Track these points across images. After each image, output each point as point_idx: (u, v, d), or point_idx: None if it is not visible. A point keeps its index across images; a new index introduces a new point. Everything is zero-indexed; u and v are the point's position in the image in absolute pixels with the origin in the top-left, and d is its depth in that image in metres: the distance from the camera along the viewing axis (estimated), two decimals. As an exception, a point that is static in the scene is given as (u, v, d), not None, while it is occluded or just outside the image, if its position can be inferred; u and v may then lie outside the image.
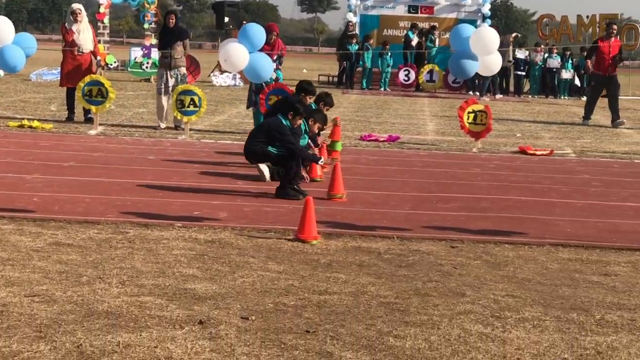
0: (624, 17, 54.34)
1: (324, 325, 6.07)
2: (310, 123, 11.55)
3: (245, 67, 11.14)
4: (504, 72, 32.98)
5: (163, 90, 17.92)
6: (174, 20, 18.23)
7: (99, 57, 19.06)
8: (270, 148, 11.07)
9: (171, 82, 17.92)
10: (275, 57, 16.98)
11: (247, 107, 18.01)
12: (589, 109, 23.31)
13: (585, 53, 35.89)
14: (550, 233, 9.52)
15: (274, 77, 16.94)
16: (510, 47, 34.47)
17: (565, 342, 5.94)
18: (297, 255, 8.16)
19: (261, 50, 16.37)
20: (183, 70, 18.15)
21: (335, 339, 5.80)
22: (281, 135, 10.95)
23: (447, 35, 33.98)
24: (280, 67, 17.44)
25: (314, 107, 12.85)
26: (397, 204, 10.90)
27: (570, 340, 5.97)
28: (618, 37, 23.89)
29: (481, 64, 11.16)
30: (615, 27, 23.36)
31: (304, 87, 13.06)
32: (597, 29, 38.07)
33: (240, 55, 10.91)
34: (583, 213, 10.78)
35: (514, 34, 36.61)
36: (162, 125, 17.82)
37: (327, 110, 13.53)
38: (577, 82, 35.17)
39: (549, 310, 6.66)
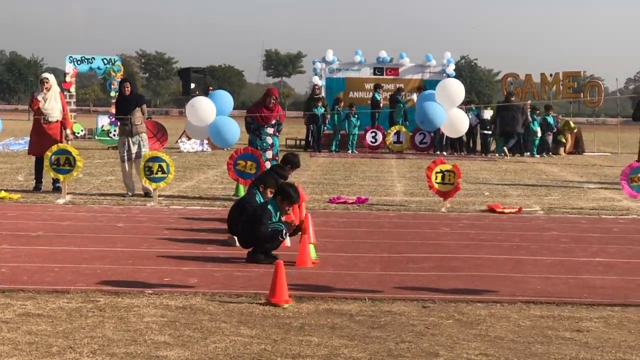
0: (586, 74, 55.03)
1: (297, 389, 6.03)
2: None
3: (211, 130, 11.16)
4: (470, 131, 33.17)
5: (126, 157, 17.92)
6: (129, 88, 18.29)
7: (68, 130, 18.78)
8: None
9: (134, 148, 17.92)
10: (273, 123, 16.91)
11: None
12: None
13: (551, 111, 36.40)
14: (521, 290, 9.54)
15: (270, 142, 16.90)
16: (528, 112, 34.74)
17: (540, 399, 5.94)
18: (269, 319, 8.13)
19: (260, 114, 16.48)
20: (144, 135, 18.16)
21: (309, 403, 5.76)
22: (260, 222, 10.87)
23: (413, 96, 34.27)
24: (277, 133, 17.29)
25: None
26: (368, 266, 10.90)
27: (545, 398, 5.96)
28: None
29: (447, 122, 11.18)
30: None
31: (278, 171, 13.01)
32: (561, 86, 38.51)
33: (206, 108, 10.94)
34: (553, 269, 10.81)
35: (528, 101, 36.91)
36: (130, 193, 17.78)
37: (292, 170, 13.55)
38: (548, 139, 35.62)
39: (522, 367, 6.66)
